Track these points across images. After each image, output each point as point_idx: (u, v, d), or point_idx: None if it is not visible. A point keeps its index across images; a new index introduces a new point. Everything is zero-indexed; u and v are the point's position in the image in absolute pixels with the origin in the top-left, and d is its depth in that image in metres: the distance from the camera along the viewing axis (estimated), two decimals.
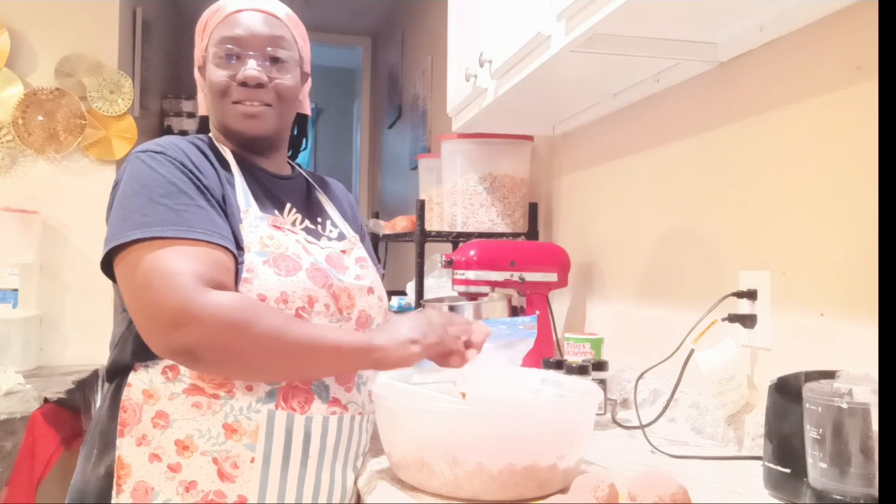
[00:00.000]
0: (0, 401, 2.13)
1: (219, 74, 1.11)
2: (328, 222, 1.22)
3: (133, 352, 1.02)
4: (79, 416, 2.36)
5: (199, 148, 1.09)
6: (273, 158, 1.20)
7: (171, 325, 0.91)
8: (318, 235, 1.16)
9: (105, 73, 2.87)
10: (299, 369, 1.00)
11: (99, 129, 2.87)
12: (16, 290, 2.61)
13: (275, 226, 1.07)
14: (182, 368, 1.00)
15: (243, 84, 1.10)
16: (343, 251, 1.16)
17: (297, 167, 1.29)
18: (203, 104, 1.23)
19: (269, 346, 0.94)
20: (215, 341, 0.92)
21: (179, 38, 4.32)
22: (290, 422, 1.01)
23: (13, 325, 2.59)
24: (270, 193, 1.14)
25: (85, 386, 2.48)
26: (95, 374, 2.64)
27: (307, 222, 1.17)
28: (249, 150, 1.16)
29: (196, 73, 1.21)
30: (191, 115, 3.90)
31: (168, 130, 3.87)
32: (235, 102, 1.11)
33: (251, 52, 1.11)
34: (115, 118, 2.90)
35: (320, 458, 1.04)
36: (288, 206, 1.15)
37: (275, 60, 1.12)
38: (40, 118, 2.77)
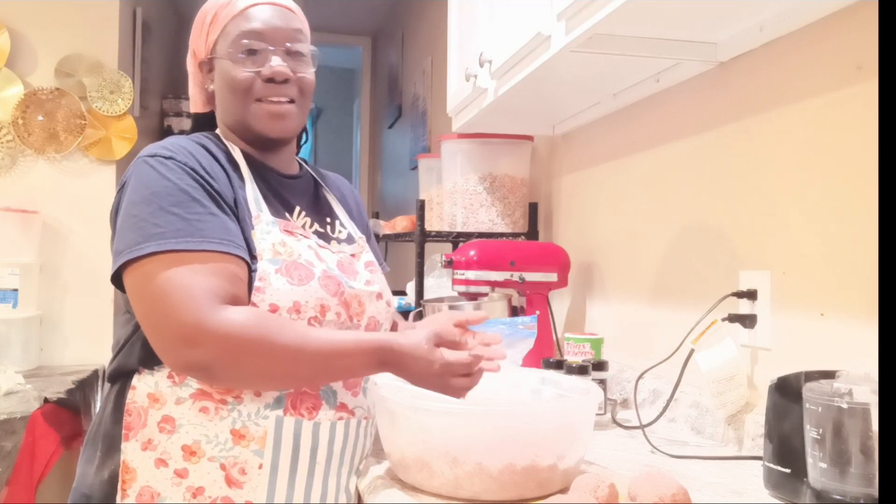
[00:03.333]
0: (0, 401, 2.14)
1: (241, 71, 1.07)
2: (337, 222, 1.20)
3: (140, 358, 1.00)
4: (79, 416, 2.36)
5: (207, 149, 1.06)
6: (283, 155, 1.17)
7: (186, 343, 0.90)
8: (328, 239, 1.14)
9: (105, 73, 2.87)
10: (315, 379, 1.00)
11: (99, 129, 2.87)
12: (16, 290, 2.61)
13: (286, 231, 1.05)
14: None
15: (269, 80, 1.07)
16: (353, 255, 1.15)
17: (303, 164, 1.26)
18: (198, 100, 1.19)
19: (287, 362, 0.93)
20: (231, 359, 0.91)
21: (179, 38, 4.32)
22: (298, 428, 1.00)
23: (13, 325, 2.59)
24: (280, 195, 1.12)
25: (85, 386, 2.49)
26: (95, 374, 2.64)
27: (317, 225, 1.15)
28: (264, 148, 1.13)
29: (192, 67, 1.16)
30: (191, 115, 3.88)
31: (168, 130, 3.87)
32: (259, 100, 1.08)
33: (272, 47, 1.08)
34: (115, 118, 2.90)
35: (327, 464, 1.03)
36: (297, 208, 1.13)
37: (295, 54, 1.10)
38: (40, 118, 2.78)
